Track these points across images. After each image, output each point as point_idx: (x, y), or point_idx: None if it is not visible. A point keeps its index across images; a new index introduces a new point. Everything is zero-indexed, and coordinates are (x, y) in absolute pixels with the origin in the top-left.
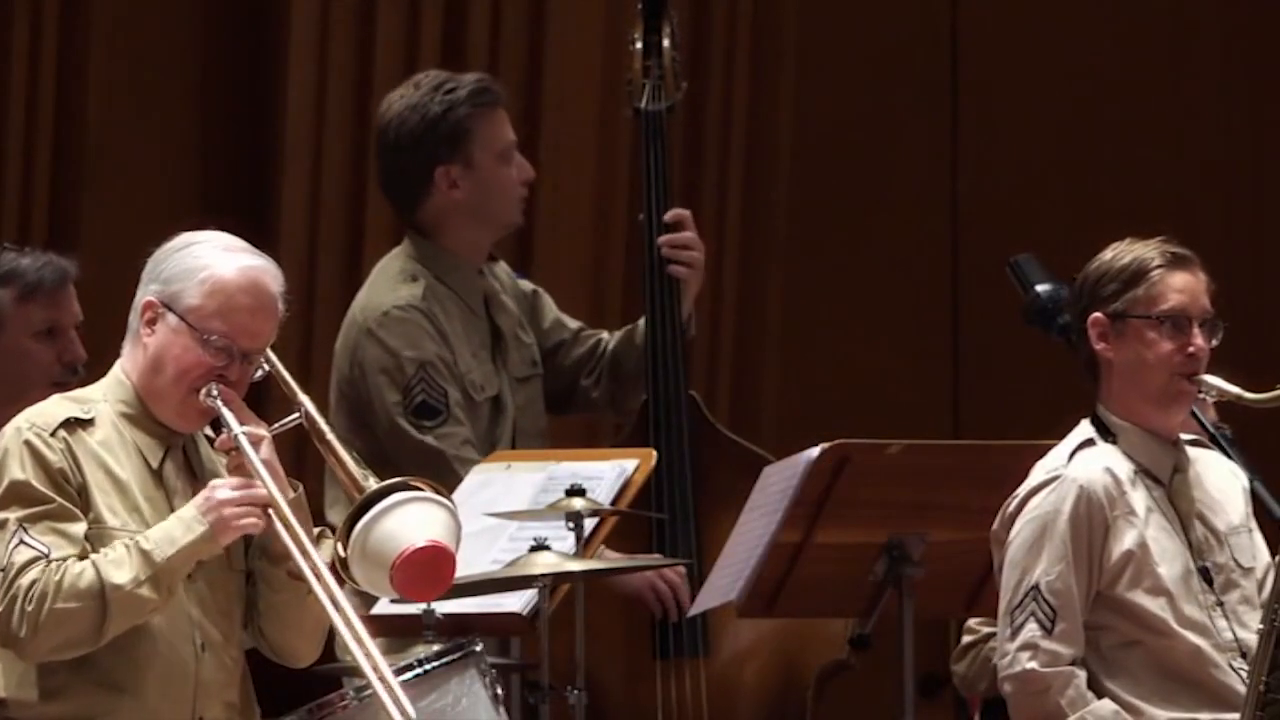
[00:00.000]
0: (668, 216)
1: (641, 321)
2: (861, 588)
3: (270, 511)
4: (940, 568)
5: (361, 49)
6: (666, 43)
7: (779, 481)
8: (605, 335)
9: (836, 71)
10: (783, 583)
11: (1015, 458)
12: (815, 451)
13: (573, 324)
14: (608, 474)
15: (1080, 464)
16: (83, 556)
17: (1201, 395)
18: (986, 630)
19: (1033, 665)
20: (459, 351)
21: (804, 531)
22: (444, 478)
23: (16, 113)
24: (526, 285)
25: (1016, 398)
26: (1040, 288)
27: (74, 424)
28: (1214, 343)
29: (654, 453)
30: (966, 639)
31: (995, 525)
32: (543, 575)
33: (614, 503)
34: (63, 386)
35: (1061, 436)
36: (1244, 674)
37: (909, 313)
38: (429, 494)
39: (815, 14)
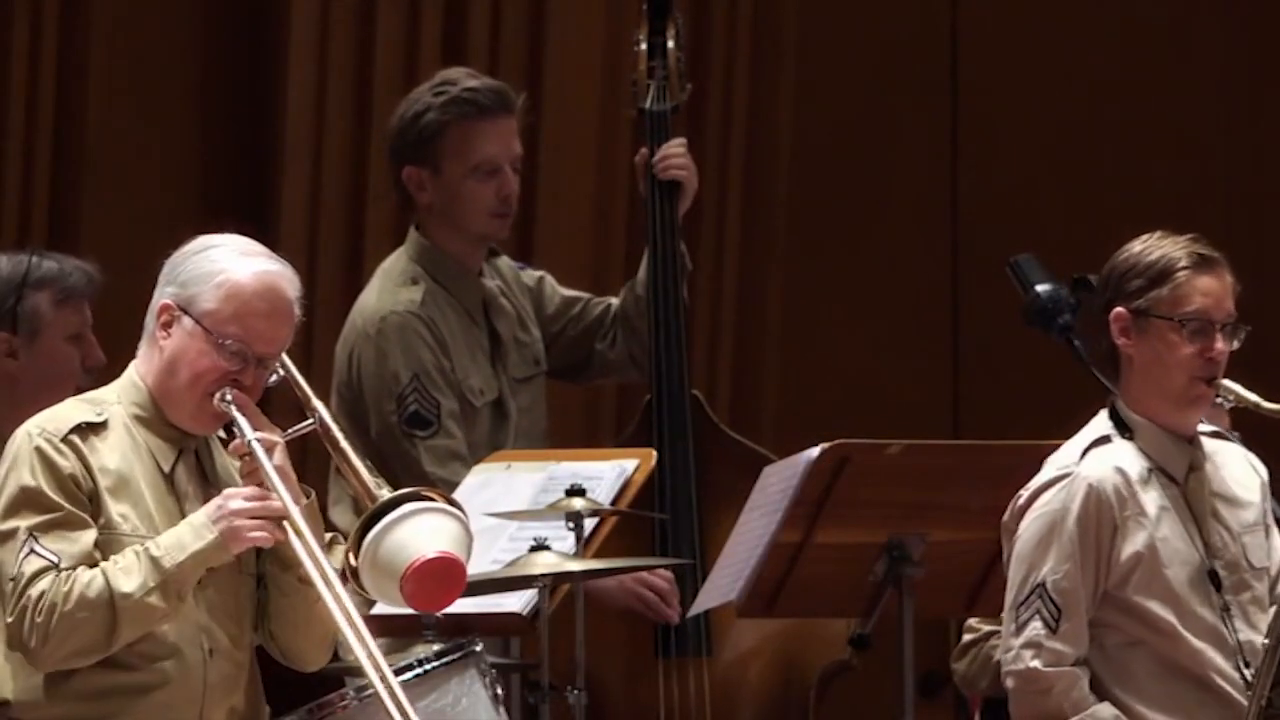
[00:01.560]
0: (665, 145)
1: (639, 275)
2: (861, 588)
3: (287, 525)
4: (940, 568)
5: (361, 49)
6: (671, 44)
7: (779, 481)
8: (614, 301)
9: (836, 71)
10: (783, 583)
11: (1015, 458)
12: (815, 451)
13: (580, 296)
14: (608, 474)
15: (1092, 462)
16: (92, 564)
17: (1218, 400)
18: (987, 628)
19: (1036, 664)
20: (457, 357)
21: (804, 531)
22: None
23: (16, 113)
24: (530, 276)
25: (1016, 398)
26: (1040, 288)
27: (85, 429)
28: (1235, 346)
29: (654, 453)
30: (967, 637)
31: (1006, 516)
32: (543, 575)
33: (614, 503)
34: (82, 390)
35: (1061, 436)
36: (1250, 677)
37: (909, 313)
38: (441, 504)
39: (815, 14)
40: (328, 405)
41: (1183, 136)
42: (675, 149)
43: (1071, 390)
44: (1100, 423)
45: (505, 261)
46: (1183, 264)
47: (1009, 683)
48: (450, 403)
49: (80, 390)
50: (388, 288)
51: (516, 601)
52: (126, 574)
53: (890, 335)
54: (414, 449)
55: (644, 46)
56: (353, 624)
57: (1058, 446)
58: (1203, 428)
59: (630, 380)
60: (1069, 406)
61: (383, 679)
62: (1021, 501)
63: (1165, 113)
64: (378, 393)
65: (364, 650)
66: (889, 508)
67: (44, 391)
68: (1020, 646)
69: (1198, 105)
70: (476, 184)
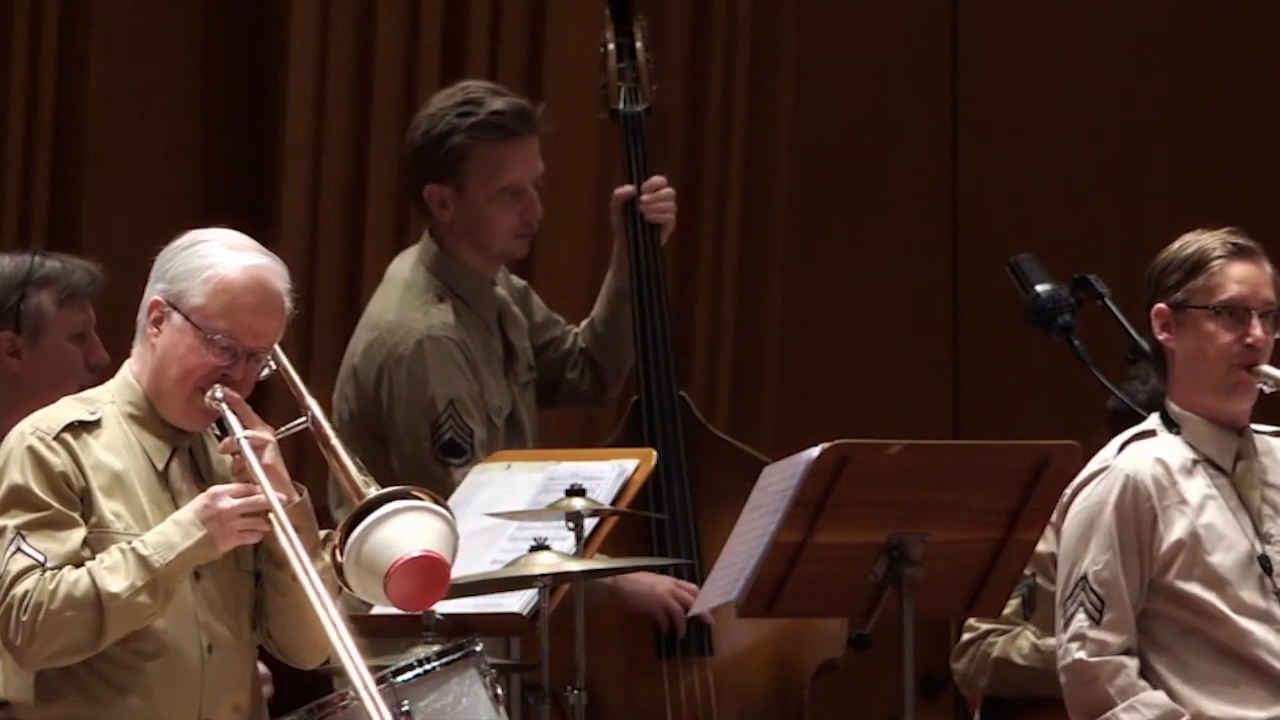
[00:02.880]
0: (647, 185)
1: (595, 312)
2: (861, 588)
3: (271, 518)
4: (940, 568)
5: (361, 49)
6: (639, 44)
7: (779, 481)
8: (577, 329)
9: (836, 71)
10: (783, 583)
11: (1015, 458)
12: (815, 451)
13: (558, 319)
14: (608, 474)
15: (1130, 454)
16: (79, 564)
17: (1260, 385)
18: (986, 627)
19: (1081, 655)
20: (484, 379)
21: (804, 531)
22: None
23: (16, 113)
24: (518, 282)
25: (1016, 398)
26: (1040, 288)
27: (78, 427)
28: (1276, 334)
29: (654, 453)
30: (966, 636)
31: (1054, 515)
32: (543, 575)
33: (614, 503)
34: (85, 390)
35: (1060, 436)
36: None
37: (909, 313)
38: (427, 503)
39: (815, 14)
40: (327, 404)
41: (1183, 136)
42: (663, 192)
43: (1071, 390)
44: (1149, 420)
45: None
46: (1217, 253)
47: (1061, 678)
48: (482, 431)
49: (84, 389)
50: (414, 303)
51: (516, 601)
52: (113, 573)
53: (890, 335)
54: (447, 476)
55: (612, 48)
56: (331, 619)
57: (1057, 446)
58: (1264, 427)
59: (590, 410)
60: (1069, 406)
61: (359, 675)
62: (1066, 498)
63: (1165, 113)
64: (411, 417)
65: (342, 646)
66: (889, 508)
67: (47, 390)
68: (1067, 640)
69: (1198, 105)
70: (502, 207)
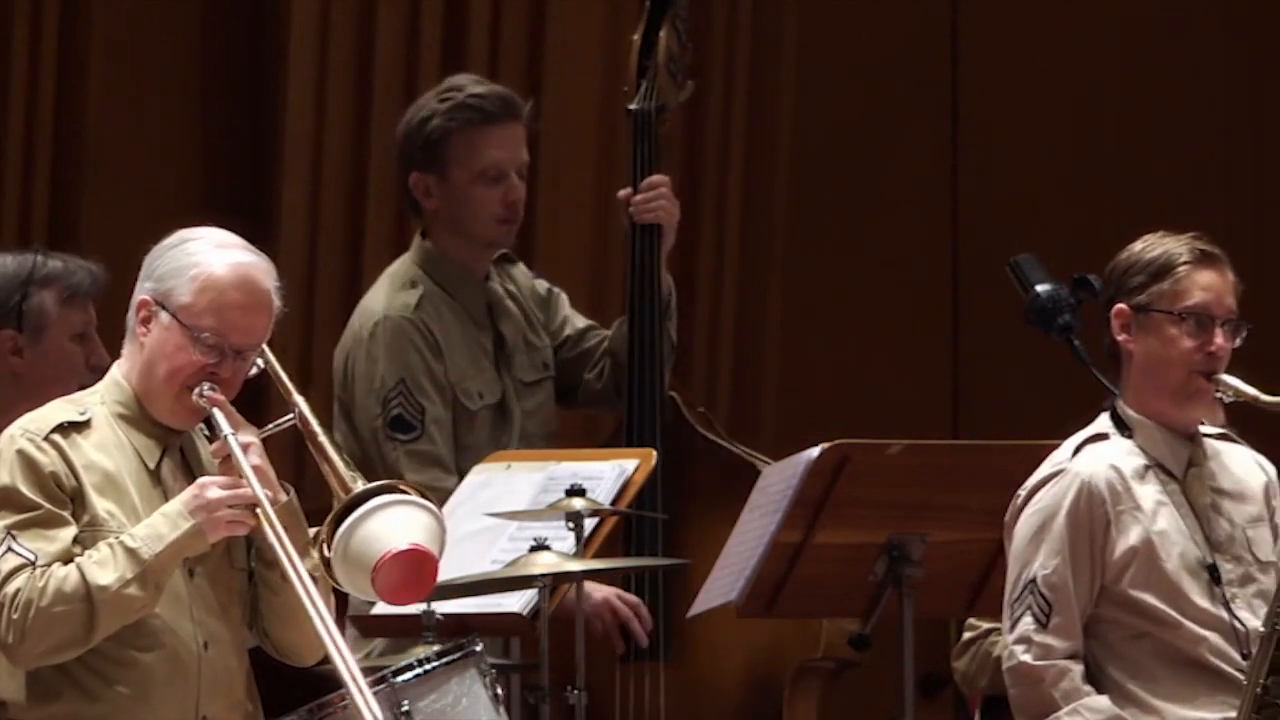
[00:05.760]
0: (644, 184)
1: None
2: (861, 588)
3: (258, 512)
4: (940, 568)
5: (361, 49)
6: (664, 43)
7: (779, 481)
8: (606, 332)
9: (836, 71)
10: (783, 583)
11: (1015, 458)
12: (815, 451)
13: (582, 323)
14: (608, 474)
15: (1085, 459)
16: (70, 561)
17: (1218, 395)
18: (987, 626)
19: (1026, 658)
20: (452, 360)
21: (804, 531)
22: None
23: (16, 113)
24: (542, 286)
25: (1016, 398)
26: (1040, 288)
27: (68, 428)
28: (1236, 343)
29: (654, 452)
30: (967, 635)
31: (1007, 516)
32: (543, 575)
33: (614, 503)
34: (86, 389)
35: (1061, 436)
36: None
37: (909, 313)
38: (414, 497)
39: (815, 14)
40: (328, 405)
41: (1183, 136)
42: (651, 192)
43: (1071, 390)
44: (1099, 422)
45: (521, 269)
46: (1183, 259)
47: (1007, 679)
48: (436, 409)
49: (84, 389)
50: (386, 291)
51: (516, 601)
52: (102, 566)
53: (890, 335)
54: (394, 452)
55: (637, 40)
56: (319, 613)
57: (1057, 447)
58: (1210, 429)
59: (617, 410)
60: (1069, 406)
61: (346, 666)
62: (1019, 500)
63: (1165, 112)
64: (365, 396)
65: (329, 639)
66: (889, 508)
67: (48, 389)
68: (1013, 642)
69: (1198, 105)
70: (483, 189)
